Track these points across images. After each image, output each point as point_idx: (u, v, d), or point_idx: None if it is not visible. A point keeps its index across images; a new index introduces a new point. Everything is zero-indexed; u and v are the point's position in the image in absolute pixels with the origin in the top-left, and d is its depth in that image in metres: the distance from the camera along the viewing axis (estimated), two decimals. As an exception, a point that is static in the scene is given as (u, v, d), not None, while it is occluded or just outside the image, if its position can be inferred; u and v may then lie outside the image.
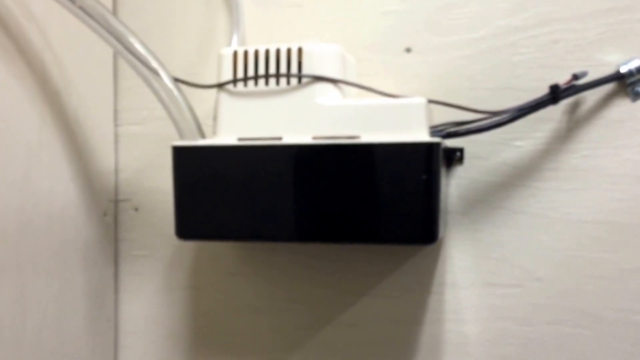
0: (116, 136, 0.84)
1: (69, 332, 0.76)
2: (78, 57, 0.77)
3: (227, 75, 0.66)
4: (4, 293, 0.66)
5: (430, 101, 0.63)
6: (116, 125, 0.84)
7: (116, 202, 0.84)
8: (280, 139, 0.64)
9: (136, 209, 0.83)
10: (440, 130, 0.66)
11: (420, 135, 0.60)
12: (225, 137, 0.66)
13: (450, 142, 0.69)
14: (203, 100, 0.72)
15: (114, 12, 0.81)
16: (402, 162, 0.60)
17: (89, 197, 0.79)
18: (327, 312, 0.77)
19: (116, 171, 0.84)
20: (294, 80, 0.64)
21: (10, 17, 0.67)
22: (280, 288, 0.78)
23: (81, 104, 0.77)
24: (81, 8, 0.65)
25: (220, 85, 0.66)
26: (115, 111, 0.84)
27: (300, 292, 0.78)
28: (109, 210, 0.83)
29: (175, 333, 0.83)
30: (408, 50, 0.73)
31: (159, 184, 0.82)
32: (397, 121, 0.61)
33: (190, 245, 0.81)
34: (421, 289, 0.73)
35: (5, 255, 0.67)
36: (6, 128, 0.67)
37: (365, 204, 0.60)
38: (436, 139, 0.60)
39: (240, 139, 0.65)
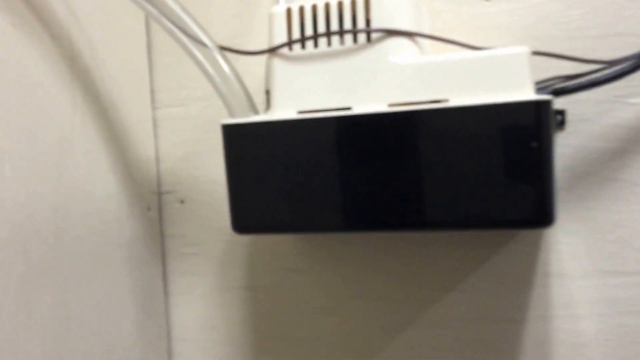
0: (155, 120, 0.75)
1: (117, 341, 0.68)
2: (108, 31, 0.68)
3: (281, 38, 0.56)
4: (44, 299, 0.59)
5: (534, 52, 0.52)
6: (154, 108, 0.75)
7: (159, 194, 0.75)
8: (349, 109, 0.54)
9: (182, 202, 0.75)
10: (544, 87, 0.55)
11: (525, 93, 0.49)
12: (283, 110, 0.56)
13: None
14: (250, 74, 0.62)
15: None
16: (505, 128, 0.49)
17: (130, 190, 0.71)
18: (407, 310, 0.67)
19: (157, 160, 0.75)
20: (361, 37, 0.54)
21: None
22: (350, 285, 0.69)
23: (114, 85, 0.69)
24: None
25: (273, 50, 0.56)
26: (152, 92, 0.75)
27: (374, 289, 0.68)
28: (152, 203, 0.74)
29: (233, 338, 0.74)
30: (487, -4, 0.63)
31: (205, 172, 0.73)
32: (494, 78, 0.50)
33: (245, 239, 0.72)
34: (521, 281, 0.63)
35: (43, 256, 0.59)
36: (35, 110, 0.59)
37: (461, 183, 0.49)
38: (546, 97, 0.49)
39: (300, 112, 0.55)
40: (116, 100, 0.69)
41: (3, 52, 0.56)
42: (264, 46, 0.57)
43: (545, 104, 0.48)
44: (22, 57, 0.58)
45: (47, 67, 0.61)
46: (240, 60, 0.61)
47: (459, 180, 0.50)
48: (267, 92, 0.59)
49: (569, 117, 0.60)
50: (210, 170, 0.73)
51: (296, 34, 0.55)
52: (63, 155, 0.62)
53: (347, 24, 0.54)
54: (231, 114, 0.59)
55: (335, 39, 0.54)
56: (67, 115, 0.63)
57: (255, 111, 0.60)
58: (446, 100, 0.51)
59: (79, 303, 0.63)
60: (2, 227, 0.55)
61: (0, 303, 0.54)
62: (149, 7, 0.58)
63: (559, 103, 0.59)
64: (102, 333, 0.66)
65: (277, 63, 0.56)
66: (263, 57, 0.58)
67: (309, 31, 0.55)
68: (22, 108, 0.58)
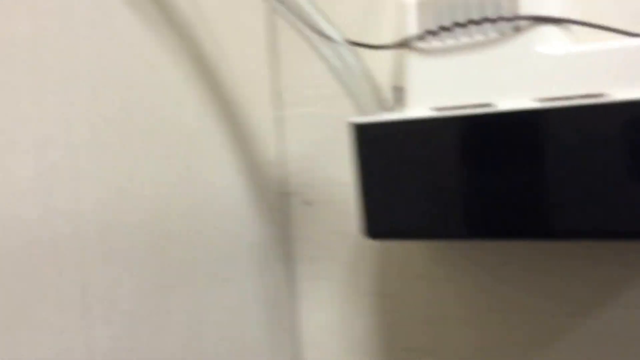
0: (279, 120, 0.73)
1: (248, 347, 0.68)
2: (233, 29, 0.67)
3: (413, 29, 0.52)
4: (180, 305, 0.59)
5: None
6: (280, 108, 0.73)
7: (286, 195, 0.73)
8: (490, 105, 0.49)
9: (308, 203, 0.72)
10: None
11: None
12: (417, 107, 0.52)
13: None
14: (378, 70, 0.58)
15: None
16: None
17: (257, 191, 0.69)
18: (550, 326, 0.61)
19: (283, 160, 0.73)
20: (505, 27, 0.49)
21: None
22: (488, 296, 0.63)
23: (239, 84, 0.68)
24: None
25: (406, 43, 0.52)
26: (278, 91, 0.73)
27: (515, 302, 0.62)
28: (278, 205, 0.72)
29: (363, 346, 0.71)
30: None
31: (333, 173, 0.70)
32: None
33: (375, 243, 0.68)
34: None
35: (177, 258, 0.59)
36: (165, 113, 0.59)
37: (623, 186, 0.43)
38: None
39: (436, 109, 0.51)
40: (241, 100, 0.68)
41: (135, 55, 0.56)
42: (392, 41, 0.54)
43: None
44: (152, 58, 0.58)
45: (174, 67, 0.60)
46: (367, 56, 0.57)
47: (621, 183, 0.44)
48: (396, 89, 0.55)
49: None
50: (339, 171, 0.69)
51: (430, 25, 0.51)
52: (191, 157, 0.62)
53: (489, 13, 0.49)
54: (360, 112, 0.56)
55: (475, 29, 0.50)
56: (194, 117, 0.63)
57: (385, 109, 0.57)
58: (602, 95, 0.45)
59: (211, 306, 0.63)
60: (141, 230, 0.55)
61: (138, 306, 0.55)
62: (275, 3, 0.56)
63: None
64: (231, 338, 0.65)
65: (410, 57, 0.53)
66: (391, 52, 0.55)
67: (445, 21, 0.51)
68: (153, 111, 0.58)
